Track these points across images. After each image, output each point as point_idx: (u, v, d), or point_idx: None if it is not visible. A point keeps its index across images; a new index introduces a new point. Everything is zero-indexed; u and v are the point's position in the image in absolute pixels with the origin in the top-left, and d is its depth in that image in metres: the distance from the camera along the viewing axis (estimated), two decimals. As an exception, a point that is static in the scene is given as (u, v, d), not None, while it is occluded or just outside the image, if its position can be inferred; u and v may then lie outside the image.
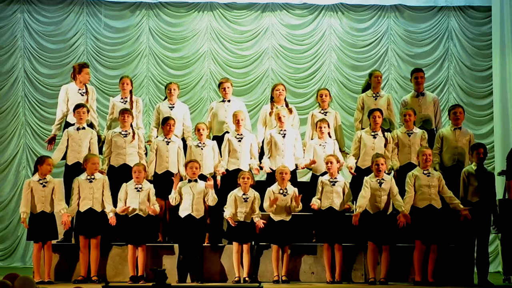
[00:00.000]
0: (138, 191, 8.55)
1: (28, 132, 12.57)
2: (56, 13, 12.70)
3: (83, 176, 8.61)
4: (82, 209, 8.51)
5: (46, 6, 12.70)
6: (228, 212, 8.54)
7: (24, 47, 12.63)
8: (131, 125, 9.17)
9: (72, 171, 8.87)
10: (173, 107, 9.63)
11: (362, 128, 9.43)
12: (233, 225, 8.45)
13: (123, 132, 9.11)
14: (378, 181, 8.45)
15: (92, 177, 8.57)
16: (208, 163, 9.06)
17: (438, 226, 8.35)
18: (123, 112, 9.15)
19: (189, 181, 8.61)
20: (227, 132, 9.50)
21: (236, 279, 8.42)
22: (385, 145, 9.07)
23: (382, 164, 8.46)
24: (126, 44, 12.74)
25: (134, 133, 9.13)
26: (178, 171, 8.98)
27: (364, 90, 9.84)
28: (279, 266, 8.48)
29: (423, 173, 8.46)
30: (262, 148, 9.43)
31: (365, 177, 8.54)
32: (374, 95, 9.68)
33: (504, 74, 11.89)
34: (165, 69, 12.71)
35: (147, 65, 12.72)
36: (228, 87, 9.72)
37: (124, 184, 8.60)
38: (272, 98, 9.75)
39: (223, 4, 12.76)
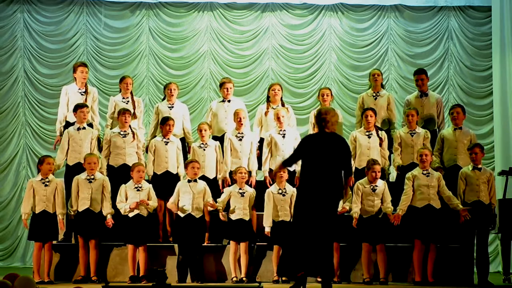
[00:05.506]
0: (138, 190, 8.54)
1: (28, 132, 12.56)
2: (56, 13, 12.69)
3: (83, 175, 8.61)
4: (80, 209, 8.51)
5: (46, 6, 12.68)
6: (220, 201, 8.54)
7: (24, 47, 12.61)
8: (130, 126, 9.16)
9: (73, 172, 8.85)
10: (172, 107, 9.61)
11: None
12: (222, 218, 8.47)
13: (122, 132, 9.10)
14: (372, 187, 8.46)
15: (92, 177, 8.57)
16: (211, 164, 9.06)
17: (437, 226, 8.36)
18: (124, 112, 9.12)
19: (189, 181, 8.62)
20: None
21: (234, 279, 8.42)
22: (380, 144, 9.08)
23: (378, 172, 8.48)
24: (126, 44, 12.72)
25: (134, 133, 9.12)
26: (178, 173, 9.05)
27: None
28: (279, 266, 8.48)
29: (423, 173, 8.46)
30: (260, 147, 9.40)
31: (357, 183, 8.51)
32: (374, 94, 9.68)
33: (504, 74, 11.88)
34: (165, 69, 12.70)
35: (147, 65, 12.70)
36: (230, 88, 9.69)
37: (123, 185, 8.58)
38: (268, 97, 9.74)
39: (223, 4, 12.74)
